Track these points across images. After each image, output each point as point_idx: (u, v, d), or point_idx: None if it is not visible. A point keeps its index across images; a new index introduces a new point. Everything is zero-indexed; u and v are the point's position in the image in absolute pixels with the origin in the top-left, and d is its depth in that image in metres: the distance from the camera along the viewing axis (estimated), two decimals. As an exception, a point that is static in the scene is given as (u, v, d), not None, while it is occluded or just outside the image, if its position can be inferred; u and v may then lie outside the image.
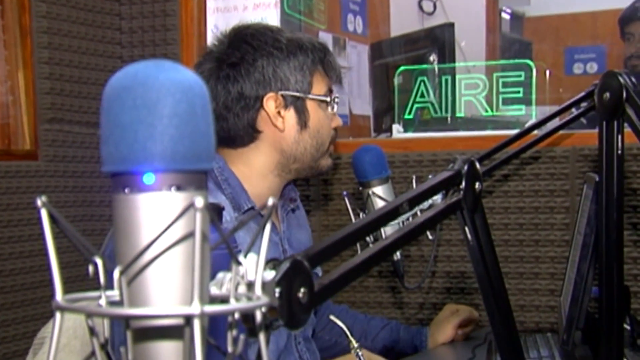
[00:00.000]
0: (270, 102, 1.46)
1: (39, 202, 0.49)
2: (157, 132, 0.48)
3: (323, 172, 1.58)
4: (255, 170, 1.49)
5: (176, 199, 0.49)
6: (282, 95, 1.46)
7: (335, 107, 1.54)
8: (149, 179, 0.49)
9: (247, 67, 1.45)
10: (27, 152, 2.07)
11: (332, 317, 1.50)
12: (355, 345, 1.43)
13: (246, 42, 1.47)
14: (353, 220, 1.42)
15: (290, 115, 1.47)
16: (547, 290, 1.92)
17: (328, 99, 1.51)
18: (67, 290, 0.49)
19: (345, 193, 1.49)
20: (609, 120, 1.07)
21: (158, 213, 0.49)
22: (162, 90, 0.49)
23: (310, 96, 1.48)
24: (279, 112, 1.46)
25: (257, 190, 1.48)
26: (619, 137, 1.06)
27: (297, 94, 1.47)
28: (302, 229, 1.64)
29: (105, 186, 2.18)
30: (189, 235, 0.49)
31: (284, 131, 1.47)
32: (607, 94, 1.06)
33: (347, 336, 1.44)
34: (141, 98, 0.49)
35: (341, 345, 1.72)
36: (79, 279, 2.05)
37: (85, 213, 2.18)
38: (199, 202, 0.46)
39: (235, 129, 1.47)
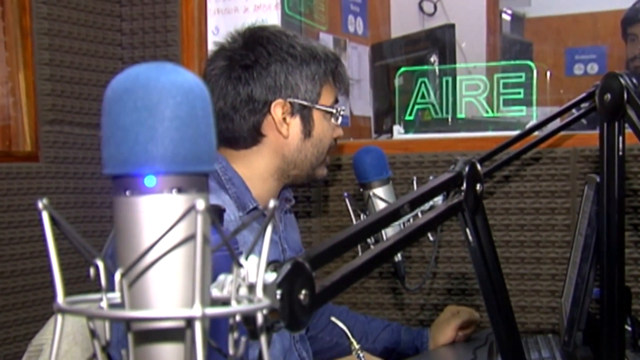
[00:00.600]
0: (277, 108, 1.46)
1: (40, 205, 0.49)
2: (158, 134, 0.48)
3: (318, 181, 1.59)
4: (256, 172, 1.50)
5: (177, 202, 0.49)
6: (290, 103, 1.46)
7: (340, 118, 1.54)
8: (150, 181, 0.49)
9: (259, 70, 1.45)
10: (28, 153, 2.07)
11: (333, 319, 1.50)
12: (357, 346, 1.43)
13: (261, 45, 1.46)
14: (354, 221, 1.42)
15: (295, 123, 1.47)
16: (548, 292, 1.92)
17: (334, 111, 1.51)
18: (68, 292, 0.49)
19: (346, 194, 1.49)
20: (610, 121, 1.07)
21: (159, 215, 0.49)
22: (163, 93, 0.49)
23: (317, 106, 1.49)
24: (284, 119, 1.46)
25: (257, 192, 1.49)
26: (620, 138, 1.06)
27: (305, 103, 1.47)
28: (294, 229, 1.66)
29: (106, 187, 2.18)
30: (190, 237, 0.49)
31: (287, 138, 1.47)
32: (608, 95, 1.06)
33: (348, 337, 1.44)
34: (142, 100, 0.49)
35: (342, 347, 1.72)
36: (80, 281, 2.06)
37: (86, 214, 2.18)
38: (200, 204, 0.46)
39: (240, 131, 1.47)
